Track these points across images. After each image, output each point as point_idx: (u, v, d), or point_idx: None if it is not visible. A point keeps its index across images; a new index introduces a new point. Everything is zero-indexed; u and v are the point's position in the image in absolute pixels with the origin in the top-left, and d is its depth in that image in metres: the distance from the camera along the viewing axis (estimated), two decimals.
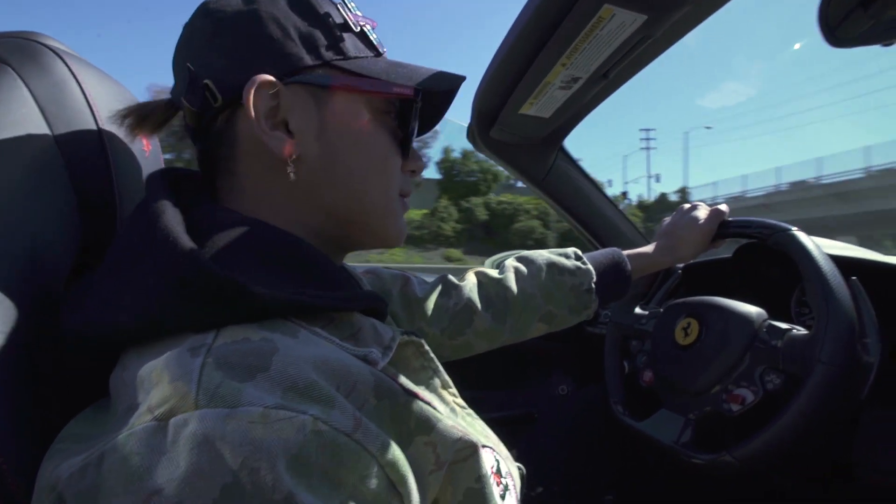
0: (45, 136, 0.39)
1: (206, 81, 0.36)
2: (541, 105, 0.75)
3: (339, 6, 0.39)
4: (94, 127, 0.42)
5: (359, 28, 0.39)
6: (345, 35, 0.38)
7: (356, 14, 0.40)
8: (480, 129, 0.87)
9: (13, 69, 0.38)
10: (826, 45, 0.48)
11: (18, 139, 0.36)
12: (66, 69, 0.42)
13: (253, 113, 0.34)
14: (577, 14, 0.54)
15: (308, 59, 0.36)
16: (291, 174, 0.36)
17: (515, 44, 0.63)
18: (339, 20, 0.38)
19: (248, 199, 0.37)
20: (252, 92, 0.34)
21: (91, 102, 0.42)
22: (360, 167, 0.39)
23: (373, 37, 0.40)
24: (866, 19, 0.45)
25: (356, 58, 0.38)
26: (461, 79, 0.42)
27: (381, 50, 0.41)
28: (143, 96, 0.50)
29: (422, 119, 0.46)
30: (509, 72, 0.68)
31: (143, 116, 0.40)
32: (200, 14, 0.38)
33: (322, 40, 0.37)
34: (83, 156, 0.41)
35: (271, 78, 0.35)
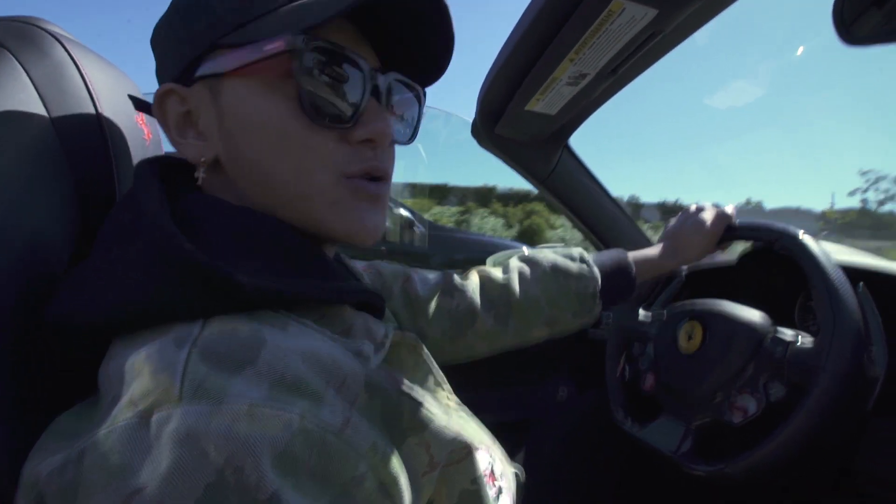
0: (43, 121, 0.38)
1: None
2: (547, 101, 0.74)
3: None
4: (93, 113, 0.42)
5: None
6: (233, 1, 0.32)
7: None
8: (485, 125, 0.86)
9: (12, 53, 0.38)
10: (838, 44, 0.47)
11: (16, 124, 0.36)
12: (65, 54, 0.41)
13: (163, 125, 0.35)
14: (587, 7, 0.53)
15: (198, 48, 0.33)
16: (200, 178, 0.35)
17: (523, 38, 0.62)
18: None
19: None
20: (157, 105, 0.35)
21: (91, 88, 0.42)
22: (259, 158, 0.33)
23: None
24: (881, 17, 0.44)
25: (245, 23, 0.32)
26: None
27: None
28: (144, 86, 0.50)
29: (419, 61, 0.38)
30: (516, 67, 0.67)
31: None
32: None
33: (209, 19, 0.33)
34: (82, 142, 0.40)
35: (170, 86, 0.35)
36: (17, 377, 0.31)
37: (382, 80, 0.35)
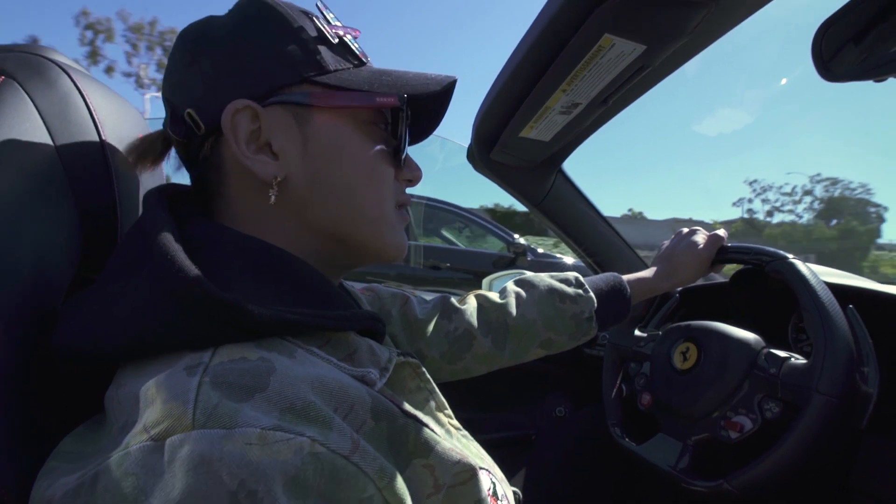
0: (48, 150, 0.39)
1: (188, 111, 0.36)
2: (541, 129, 0.76)
3: (315, 18, 0.38)
4: (97, 142, 0.42)
5: (337, 39, 0.38)
6: (322, 48, 0.37)
7: (335, 25, 0.39)
8: (480, 150, 0.88)
9: (19, 83, 0.39)
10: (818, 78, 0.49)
11: (22, 153, 0.36)
12: (71, 84, 0.42)
13: (233, 139, 0.35)
14: (579, 42, 0.55)
15: (285, 78, 0.36)
16: (272, 197, 0.36)
17: (517, 69, 0.64)
18: (314, 33, 0.37)
19: (240, 220, 0.37)
20: (229, 119, 0.35)
21: (96, 118, 0.43)
22: (349, 183, 0.38)
23: (354, 46, 0.40)
24: (858, 54, 0.46)
25: (336, 70, 0.38)
26: (451, 80, 0.40)
27: (364, 59, 0.40)
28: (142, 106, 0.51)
29: (418, 125, 0.46)
30: (510, 96, 0.70)
31: (142, 151, 0.41)
32: (178, 42, 0.38)
33: (299, 56, 0.36)
34: (86, 171, 0.41)
35: (248, 102, 0.35)
36: (23, 399, 0.31)
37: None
